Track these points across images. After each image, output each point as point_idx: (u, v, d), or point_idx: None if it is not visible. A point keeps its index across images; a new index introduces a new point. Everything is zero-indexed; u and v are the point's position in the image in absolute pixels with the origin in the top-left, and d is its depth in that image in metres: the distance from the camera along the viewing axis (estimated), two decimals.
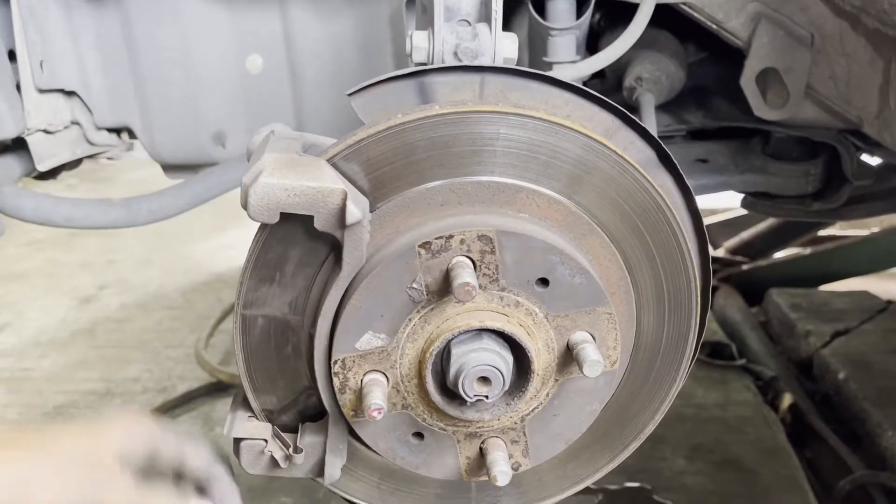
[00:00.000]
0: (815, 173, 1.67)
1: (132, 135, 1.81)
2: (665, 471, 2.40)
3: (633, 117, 0.98)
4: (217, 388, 3.02)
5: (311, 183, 0.84)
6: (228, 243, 4.49)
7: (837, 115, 1.47)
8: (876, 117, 1.40)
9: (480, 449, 0.97)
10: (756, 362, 3.00)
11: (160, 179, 1.93)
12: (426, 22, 1.11)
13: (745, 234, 3.72)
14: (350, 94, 0.94)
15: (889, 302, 3.27)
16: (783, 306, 3.31)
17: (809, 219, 1.92)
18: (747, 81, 1.48)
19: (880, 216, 1.98)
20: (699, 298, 1.00)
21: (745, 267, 3.66)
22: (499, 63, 1.07)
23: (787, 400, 2.76)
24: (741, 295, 3.51)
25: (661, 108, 1.66)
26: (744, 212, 3.48)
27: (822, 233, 3.82)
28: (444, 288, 0.89)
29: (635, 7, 1.38)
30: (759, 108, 1.50)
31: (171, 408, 2.93)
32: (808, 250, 3.75)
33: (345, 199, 0.84)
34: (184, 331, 3.57)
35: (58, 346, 3.52)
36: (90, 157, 1.81)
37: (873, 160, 1.74)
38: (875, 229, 3.72)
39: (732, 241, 3.78)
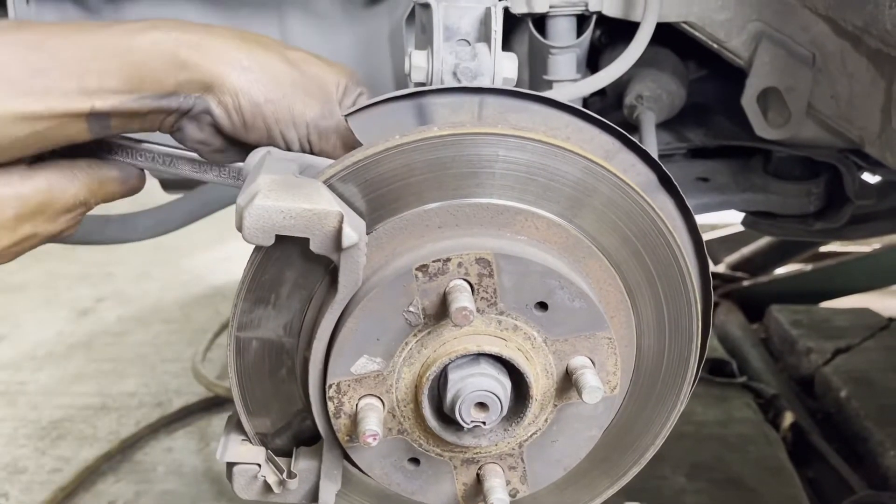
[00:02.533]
0: (817, 192, 1.66)
1: None
2: (665, 489, 2.37)
3: (633, 139, 0.97)
4: (214, 403, 3.00)
5: (306, 205, 0.83)
6: (227, 256, 4.48)
7: (839, 135, 1.46)
8: (878, 137, 1.39)
9: (477, 475, 0.95)
10: (757, 380, 2.99)
11: (158, 193, 1.92)
12: (425, 41, 1.11)
13: (746, 250, 3.71)
14: (347, 115, 0.93)
15: (891, 319, 3.25)
16: (784, 323, 3.30)
17: (811, 238, 1.90)
18: (748, 101, 1.47)
19: (876, 237, 1.97)
20: (700, 322, 0.98)
21: (745, 283, 3.65)
22: (498, 83, 1.06)
23: (788, 418, 2.74)
24: (742, 311, 3.49)
25: (662, 126, 1.65)
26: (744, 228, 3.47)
27: (823, 249, 3.81)
28: (441, 311, 0.87)
29: (636, 25, 1.37)
30: (761, 128, 1.49)
31: (167, 423, 2.92)
32: (809, 267, 3.74)
33: (341, 222, 0.82)
34: (181, 344, 3.55)
35: (54, 359, 3.51)
36: None
37: (874, 179, 1.73)
38: (876, 246, 3.71)
39: (733, 257, 3.77)
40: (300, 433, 1.00)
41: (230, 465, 0.99)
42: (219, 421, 2.92)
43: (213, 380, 3.06)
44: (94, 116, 0.88)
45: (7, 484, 2.65)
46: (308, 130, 0.95)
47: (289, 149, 0.95)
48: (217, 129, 0.94)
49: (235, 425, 1.01)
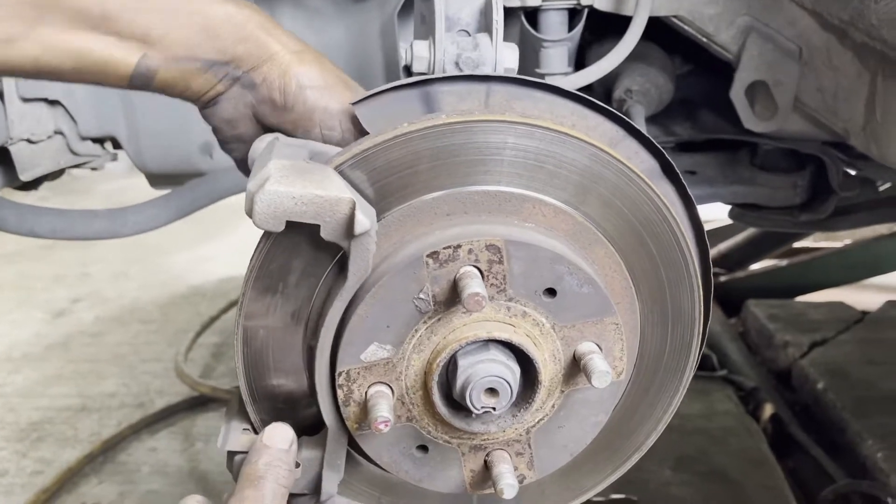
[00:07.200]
0: (803, 185, 1.70)
1: (116, 144, 1.78)
2: (651, 482, 2.40)
3: (637, 127, 0.98)
4: (198, 403, 2.97)
5: (318, 191, 0.82)
6: (207, 256, 4.43)
7: (824, 128, 1.49)
8: (862, 129, 1.42)
9: (485, 462, 0.96)
10: (737, 373, 3.03)
11: (136, 190, 1.91)
12: (426, 32, 1.11)
13: (723, 246, 3.76)
14: (354, 104, 0.94)
15: (864, 313, 3.32)
16: (761, 317, 3.35)
17: (797, 230, 1.94)
18: (737, 94, 1.49)
19: (859, 228, 2.01)
20: (702, 309, 1.00)
21: (722, 278, 3.70)
22: (499, 73, 1.07)
23: (768, 410, 2.79)
24: (720, 306, 3.54)
25: (650, 120, 1.67)
26: (722, 223, 3.51)
27: (797, 245, 3.87)
28: (451, 298, 0.87)
29: (622, 19, 1.39)
30: (749, 121, 1.52)
31: (150, 423, 2.88)
32: (784, 262, 3.80)
33: (353, 209, 0.82)
34: (161, 345, 3.51)
35: (31, 360, 3.45)
36: (74, 166, 1.77)
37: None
38: (848, 241, 3.79)
39: (710, 253, 3.82)
40: (302, 422, 1.00)
41: (231, 454, 0.98)
42: (203, 421, 2.89)
43: (196, 379, 3.03)
44: (139, 71, 0.92)
45: None
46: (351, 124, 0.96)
47: (325, 140, 0.96)
48: (253, 109, 0.96)
49: (237, 413, 1.00)
